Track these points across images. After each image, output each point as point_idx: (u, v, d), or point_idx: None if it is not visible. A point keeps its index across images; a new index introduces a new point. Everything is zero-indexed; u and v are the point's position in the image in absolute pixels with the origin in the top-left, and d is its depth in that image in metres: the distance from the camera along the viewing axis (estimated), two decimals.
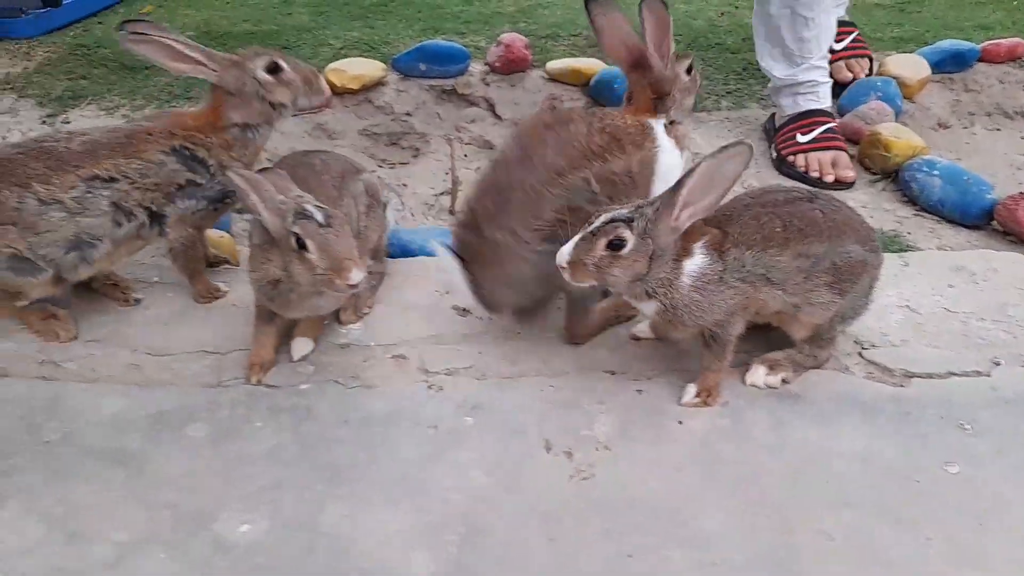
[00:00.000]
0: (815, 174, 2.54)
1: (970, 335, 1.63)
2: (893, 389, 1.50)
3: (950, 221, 2.34)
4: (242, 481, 1.35)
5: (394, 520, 1.29)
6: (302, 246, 1.34)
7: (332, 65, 2.94)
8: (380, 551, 1.24)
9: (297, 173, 1.54)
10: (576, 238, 1.35)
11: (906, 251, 2.10)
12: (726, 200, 1.40)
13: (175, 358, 1.61)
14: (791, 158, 2.60)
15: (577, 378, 1.54)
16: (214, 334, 1.67)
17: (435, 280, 1.81)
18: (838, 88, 2.85)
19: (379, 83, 2.97)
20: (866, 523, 1.26)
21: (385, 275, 1.85)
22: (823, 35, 2.60)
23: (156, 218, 1.65)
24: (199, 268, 1.76)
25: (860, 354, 1.59)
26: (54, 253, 1.55)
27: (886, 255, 1.92)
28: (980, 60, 3.08)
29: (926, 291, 1.75)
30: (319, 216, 1.35)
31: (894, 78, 2.91)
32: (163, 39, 1.62)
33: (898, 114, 2.83)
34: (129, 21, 1.63)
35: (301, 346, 1.61)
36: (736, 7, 3.90)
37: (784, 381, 1.50)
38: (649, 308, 1.42)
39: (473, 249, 1.57)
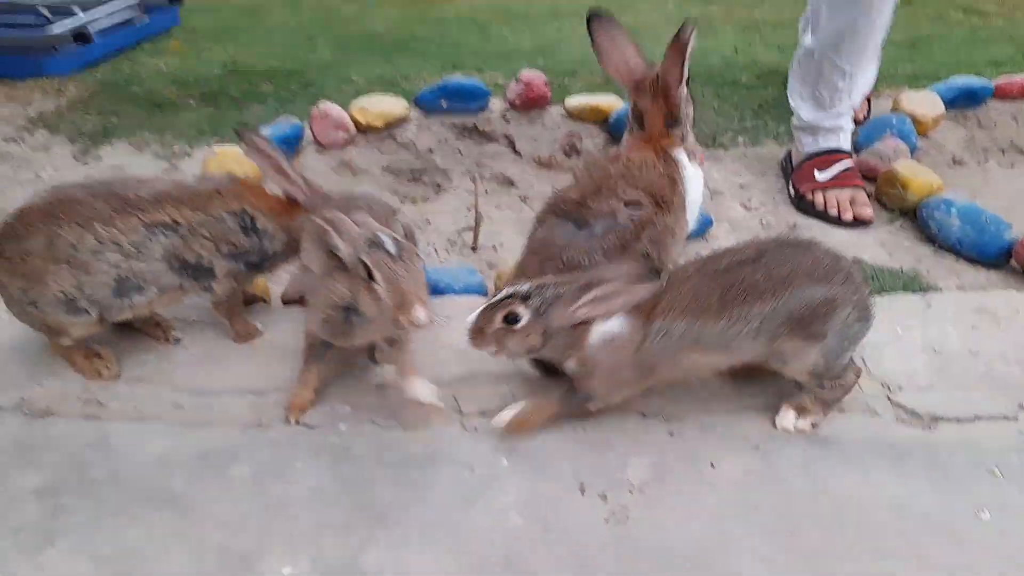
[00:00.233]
0: (833, 212, 2.58)
1: (995, 378, 1.65)
2: (922, 433, 1.52)
3: (969, 260, 2.37)
4: (285, 522, 1.38)
5: (434, 562, 1.31)
6: (371, 276, 1.34)
7: (356, 102, 3.01)
8: None
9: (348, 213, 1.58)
10: (480, 308, 1.44)
11: (927, 291, 2.13)
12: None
13: (216, 398, 1.65)
14: (809, 196, 2.63)
15: (609, 420, 1.57)
16: (253, 374, 1.71)
17: (464, 319, 1.85)
18: None
19: (402, 120, 3.03)
20: (902, 572, 1.28)
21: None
22: (857, 88, 2.64)
23: (202, 272, 1.70)
24: (238, 310, 1.81)
25: (888, 397, 1.61)
26: (101, 294, 1.60)
27: (907, 295, 1.97)
28: (994, 97, 3.13)
29: (950, 333, 1.78)
30: (391, 247, 1.35)
31: (908, 115, 2.96)
32: (273, 154, 1.72)
33: (913, 151, 2.88)
34: (245, 130, 1.74)
35: (424, 388, 1.55)
36: (750, 44, 3.97)
37: (814, 425, 1.53)
38: (569, 366, 1.48)
39: None
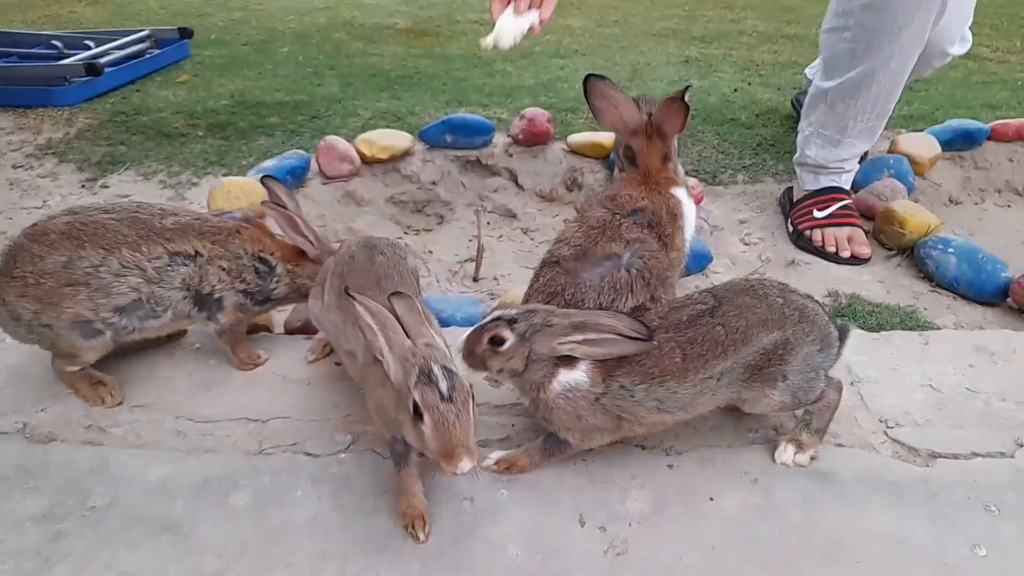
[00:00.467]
0: (832, 249, 2.61)
1: (992, 415, 1.66)
2: (920, 469, 1.53)
3: (965, 298, 2.40)
4: (284, 550, 1.38)
5: None
6: (418, 415, 1.24)
7: (362, 136, 3.06)
8: None
9: (375, 260, 1.60)
10: (471, 329, 1.46)
11: (925, 328, 2.15)
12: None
13: (217, 425, 1.65)
14: (808, 233, 2.67)
15: (609, 452, 1.58)
16: (255, 401, 1.72)
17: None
18: None
19: (406, 153, 3.08)
20: None
21: None
22: (867, 136, 2.66)
23: (212, 303, 1.75)
24: (242, 338, 1.83)
25: (885, 432, 1.62)
26: (115, 317, 1.64)
27: (905, 332, 1.99)
28: (989, 139, 3.18)
29: (948, 370, 1.79)
30: (443, 386, 1.24)
31: (906, 156, 3.01)
32: (291, 214, 1.79)
33: (910, 191, 2.92)
34: (270, 179, 1.82)
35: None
36: (749, 84, 4.05)
37: (812, 459, 1.54)
38: (528, 403, 1.49)
39: None
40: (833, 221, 2.66)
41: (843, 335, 1.54)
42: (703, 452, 1.58)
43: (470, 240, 2.82)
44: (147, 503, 1.48)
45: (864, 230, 2.68)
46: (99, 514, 1.45)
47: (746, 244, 2.75)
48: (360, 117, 3.51)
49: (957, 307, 2.38)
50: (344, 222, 2.83)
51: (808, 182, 2.75)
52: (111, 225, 1.63)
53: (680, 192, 1.82)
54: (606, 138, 3.10)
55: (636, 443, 1.60)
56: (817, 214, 2.68)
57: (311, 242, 1.82)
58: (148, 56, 4.20)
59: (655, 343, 1.39)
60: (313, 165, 2.96)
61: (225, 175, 2.95)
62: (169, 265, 1.66)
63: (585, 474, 1.53)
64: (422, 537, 1.40)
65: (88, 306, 1.60)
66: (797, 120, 2.99)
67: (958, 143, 3.14)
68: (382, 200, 3.01)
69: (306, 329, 2.05)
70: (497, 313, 1.45)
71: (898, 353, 1.86)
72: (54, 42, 4.29)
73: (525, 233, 2.92)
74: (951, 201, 3.06)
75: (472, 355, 1.45)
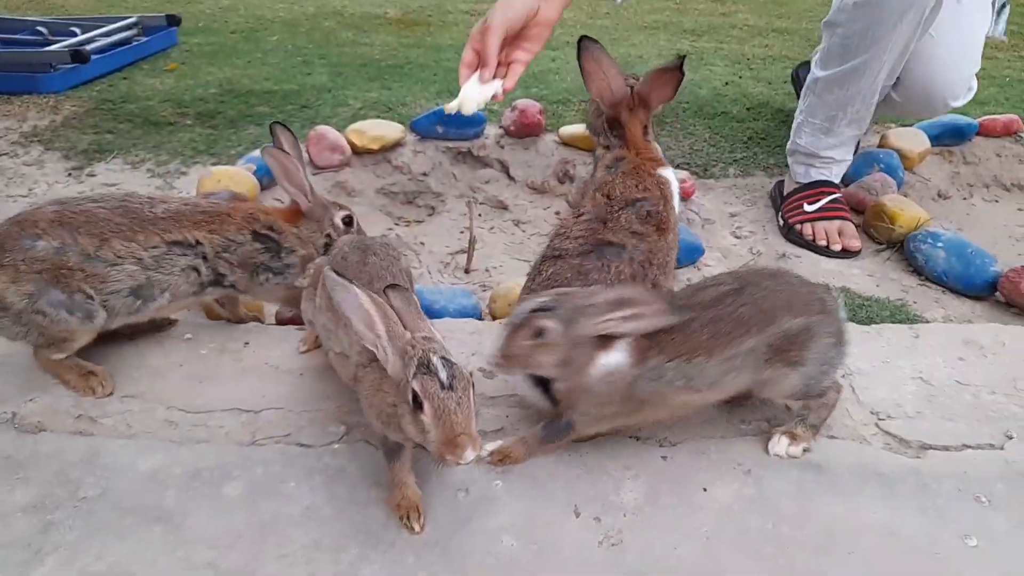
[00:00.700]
0: (822, 242, 2.63)
1: (982, 408, 1.68)
2: (911, 461, 1.54)
3: (954, 292, 2.42)
4: (278, 541, 1.38)
5: None
6: (419, 405, 1.22)
7: (353, 126, 3.04)
8: None
9: (368, 261, 1.59)
10: (503, 333, 1.41)
11: (915, 321, 2.17)
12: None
13: (209, 415, 1.64)
14: (798, 227, 2.68)
15: (603, 443, 1.58)
16: (247, 392, 1.70)
17: (460, 341, 1.86)
18: None
19: (397, 144, 3.06)
20: None
21: None
22: (856, 126, 2.67)
23: (221, 280, 1.79)
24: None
25: (877, 424, 1.63)
26: (115, 300, 1.66)
27: (896, 325, 2.00)
28: (978, 134, 3.21)
29: (938, 363, 1.81)
30: (443, 375, 1.22)
31: (895, 150, 3.03)
32: (288, 161, 1.83)
33: (900, 185, 2.94)
34: (278, 125, 1.89)
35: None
36: (740, 78, 4.05)
37: (805, 451, 1.54)
38: (558, 387, 1.47)
39: None
40: (823, 215, 2.67)
41: None
42: (696, 443, 1.58)
43: (461, 232, 2.81)
44: (138, 494, 1.46)
45: (854, 224, 2.69)
46: (90, 505, 1.44)
47: (737, 237, 2.76)
48: (350, 107, 3.48)
49: (946, 300, 2.40)
50: None
51: (799, 174, 2.76)
52: (101, 213, 1.63)
53: (666, 172, 1.86)
54: None
55: (630, 434, 1.60)
56: (808, 208, 2.69)
57: (304, 194, 1.83)
58: (135, 43, 4.15)
59: (690, 312, 1.38)
60: (303, 155, 2.94)
61: (214, 164, 2.92)
62: (167, 254, 1.67)
63: (579, 465, 1.53)
64: (417, 528, 1.39)
65: (88, 287, 1.61)
66: (796, 91, 2.99)
67: (947, 138, 3.17)
68: (373, 191, 2.99)
69: (298, 320, 2.03)
70: (527, 306, 1.40)
71: (889, 346, 1.87)
72: (39, 28, 4.22)
73: (516, 225, 2.91)
74: (940, 196, 3.08)
75: (511, 357, 1.40)
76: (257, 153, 2.84)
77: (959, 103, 2.56)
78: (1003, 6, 2.61)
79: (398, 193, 3.02)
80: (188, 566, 1.33)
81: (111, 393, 1.69)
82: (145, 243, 1.65)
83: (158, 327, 1.86)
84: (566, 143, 3.13)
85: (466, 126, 3.10)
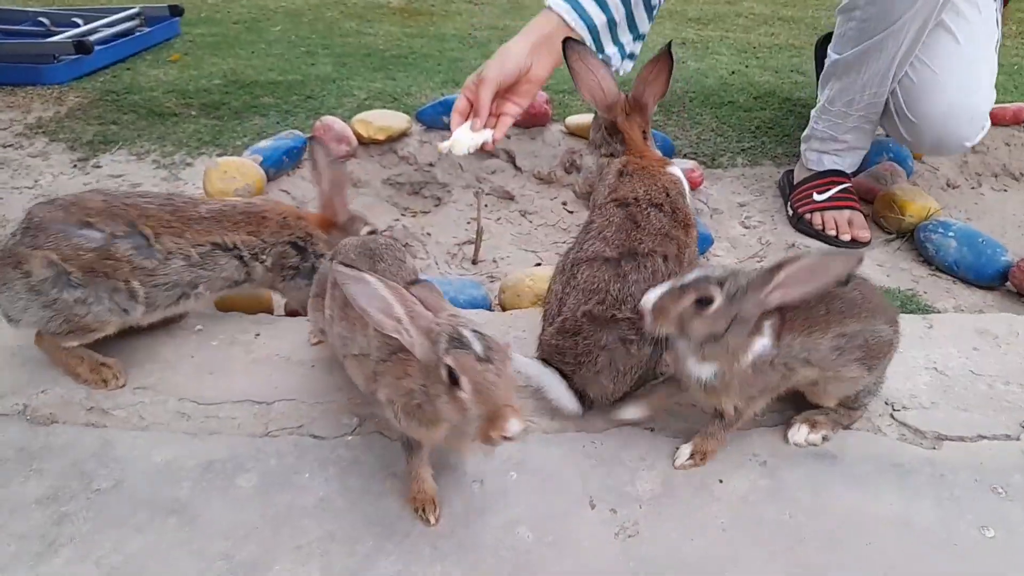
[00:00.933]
0: (831, 232, 2.61)
1: (997, 398, 1.67)
2: (926, 452, 1.54)
3: (965, 282, 2.41)
4: (293, 533, 1.37)
5: (444, 574, 1.31)
6: (455, 381, 1.15)
7: (358, 116, 3.03)
8: None
9: (378, 269, 1.52)
10: (664, 287, 1.39)
11: (928, 312, 2.16)
12: None
13: (221, 407, 1.64)
14: (808, 216, 2.67)
15: (617, 435, 1.57)
16: (259, 384, 1.70)
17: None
18: None
19: (404, 134, 3.05)
20: None
21: None
22: (873, 108, 2.60)
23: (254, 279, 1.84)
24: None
25: (892, 415, 1.62)
26: (158, 294, 1.68)
27: (907, 314, 1.99)
28: None
29: (952, 353, 1.80)
30: (478, 347, 1.15)
31: None
32: (344, 179, 1.94)
33: (909, 175, 2.92)
34: (314, 140, 1.94)
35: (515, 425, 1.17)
36: (747, 67, 4.03)
37: (825, 439, 1.54)
38: (705, 371, 1.43)
39: (578, 353, 1.56)
40: (833, 204, 2.66)
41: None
42: None
43: (468, 222, 2.80)
44: (152, 486, 1.46)
45: (864, 213, 2.68)
46: (104, 497, 1.44)
47: (746, 227, 2.75)
48: (355, 97, 3.47)
49: (956, 291, 2.38)
50: None
51: (812, 161, 2.73)
52: (151, 209, 1.67)
53: (674, 169, 1.83)
54: None
55: (645, 425, 1.60)
56: (817, 197, 2.68)
57: (345, 209, 1.91)
58: (138, 34, 4.12)
59: (861, 254, 1.36)
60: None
61: (220, 155, 2.90)
62: (211, 252, 1.72)
63: (594, 456, 1.53)
64: (432, 520, 1.39)
65: (135, 282, 1.64)
66: (817, 66, 2.95)
67: None
68: (379, 182, 2.98)
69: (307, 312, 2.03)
70: (701, 272, 1.38)
71: (902, 336, 1.85)
72: (41, 19, 4.20)
73: (523, 215, 2.90)
74: (948, 185, 3.06)
75: (665, 313, 1.38)
76: (263, 143, 2.82)
77: (974, 142, 2.53)
78: None
79: (404, 184, 3.01)
80: (203, 558, 1.33)
81: (124, 385, 1.68)
82: (193, 240, 1.69)
83: (169, 319, 1.85)
84: (572, 133, 3.11)
85: None
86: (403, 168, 3.03)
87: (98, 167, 2.92)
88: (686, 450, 1.52)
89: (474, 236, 2.59)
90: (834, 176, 2.69)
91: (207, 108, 3.36)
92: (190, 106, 3.38)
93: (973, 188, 3.08)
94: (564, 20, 2.05)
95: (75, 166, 2.93)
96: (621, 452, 1.53)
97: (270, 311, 2.08)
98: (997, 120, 3.18)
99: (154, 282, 1.66)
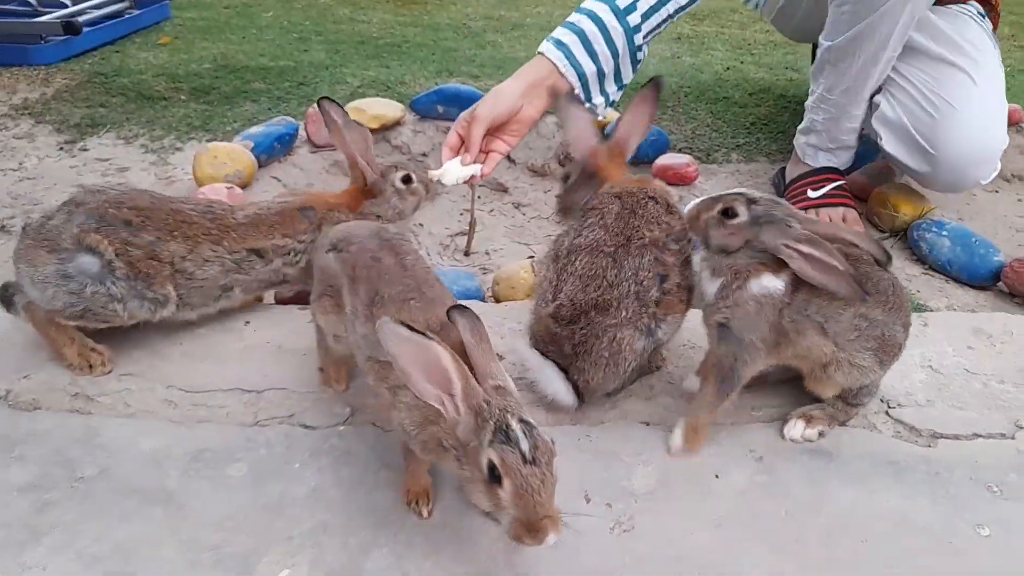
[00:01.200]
0: None
1: (992, 397, 1.67)
2: (922, 450, 1.53)
3: (958, 281, 2.41)
4: (284, 524, 1.35)
5: (437, 567, 1.29)
6: (496, 479, 1.08)
7: (351, 104, 2.98)
8: None
9: (406, 263, 1.43)
10: (705, 197, 1.49)
11: (920, 310, 2.16)
12: None
13: (210, 395, 1.61)
14: (802, 213, 2.65)
15: (613, 429, 1.56)
16: (249, 372, 1.67)
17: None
18: None
19: (397, 123, 3.01)
20: None
21: None
22: (863, 97, 2.57)
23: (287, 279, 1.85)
24: None
25: (887, 413, 1.62)
26: (195, 297, 1.71)
27: None
28: None
29: (947, 352, 1.80)
30: (525, 445, 1.07)
31: None
32: (367, 136, 1.94)
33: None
34: (327, 99, 1.90)
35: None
36: (742, 63, 4.02)
37: (821, 434, 1.54)
38: (711, 287, 1.48)
39: (576, 342, 1.53)
40: (827, 201, 2.65)
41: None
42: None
43: (461, 214, 2.77)
44: (139, 474, 1.43)
45: (858, 211, 2.67)
46: (89, 484, 1.41)
47: None
48: (348, 85, 3.43)
49: (949, 290, 2.38)
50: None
51: (808, 155, 2.72)
52: (191, 215, 1.69)
53: (656, 182, 1.80)
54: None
55: (641, 420, 1.58)
56: (811, 194, 2.67)
57: (373, 168, 1.90)
58: (127, 16, 4.07)
59: (868, 296, 1.38)
60: (301, 133, 2.89)
61: (210, 140, 2.86)
62: (246, 259, 1.73)
63: (589, 450, 1.51)
64: (425, 513, 1.37)
65: (172, 285, 1.67)
66: (813, 62, 2.93)
67: None
68: None
69: (299, 300, 2.00)
70: (742, 190, 1.45)
71: None
72: None
73: (517, 208, 2.88)
74: None
75: (696, 220, 1.47)
76: (254, 129, 2.78)
77: (987, 182, 2.53)
78: None
79: None
80: (191, 548, 1.30)
81: (109, 372, 1.65)
82: (230, 248, 1.71)
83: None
84: None
85: (467, 106, 3.04)
86: (396, 157, 2.99)
87: (85, 150, 2.87)
88: (678, 432, 1.51)
89: (467, 227, 2.56)
90: (828, 173, 2.69)
91: (197, 93, 3.32)
92: (180, 90, 3.33)
93: None
94: (557, 67, 2.12)
95: (61, 148, 2.88)
96: (617, 446, 1.52)
97: (260, 299, 2.04)
98: None
99: (191, 285, 1.69)
